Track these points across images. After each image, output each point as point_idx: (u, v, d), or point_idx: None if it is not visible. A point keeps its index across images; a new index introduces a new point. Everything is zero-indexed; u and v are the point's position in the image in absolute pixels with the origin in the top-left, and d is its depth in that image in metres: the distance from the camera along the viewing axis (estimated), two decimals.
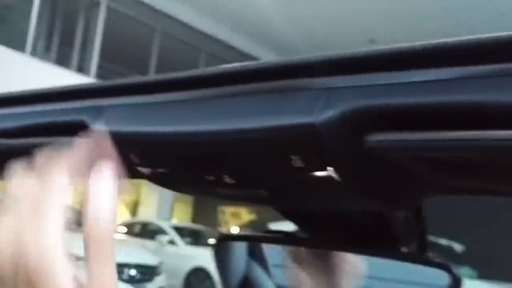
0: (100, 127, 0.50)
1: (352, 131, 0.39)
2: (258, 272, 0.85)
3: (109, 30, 13.48)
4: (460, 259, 9.47)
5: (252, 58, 16.28)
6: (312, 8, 13.48)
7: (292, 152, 0.41)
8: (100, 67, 13.51)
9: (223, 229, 17.02)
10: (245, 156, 0.45)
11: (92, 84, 0.54)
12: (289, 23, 14.34)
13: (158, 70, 14.65)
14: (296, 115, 0.40)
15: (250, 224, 16.11)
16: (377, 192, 0.46)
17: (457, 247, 10.14)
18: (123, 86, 0.52)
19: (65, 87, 0.56)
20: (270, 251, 0.87)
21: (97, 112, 0.51)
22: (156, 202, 14.44)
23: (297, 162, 0.42)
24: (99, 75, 13.30)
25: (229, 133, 0.43)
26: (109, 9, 13.56)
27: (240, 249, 0.85)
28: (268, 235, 0.78)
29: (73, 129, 0.51)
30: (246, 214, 17.68)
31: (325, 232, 0.67)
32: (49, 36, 13.87)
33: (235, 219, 17.89)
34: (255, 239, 0.87)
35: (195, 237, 11.25)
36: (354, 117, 0.38)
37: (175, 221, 14.25)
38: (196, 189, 0.57)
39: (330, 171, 0.41)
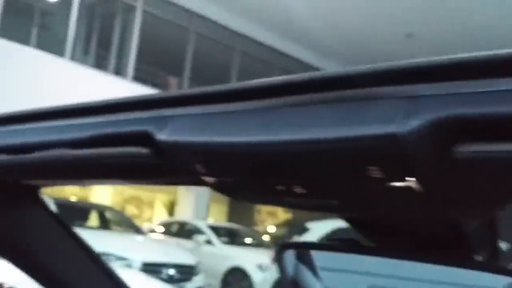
0: (164, 138, 0.50)
1: (439, 141, 0.38)
2: (307, 276, 0.86)
3: (145, 33, 13.64)
4: (506, 257, 9.24)
5: (286, 55, 16.24)
6: (347, 3, 13.33)
7: (371, 162, 0.40)
8: (136, 69, 13.69)
9: (259, 228, 17.00)
10: (319, 166, 0.44)
11: (156, 94, 0.55)
12: (321, 19, 14.23)
13: (193, 71, 14.76)
14: (376, 124, 0.38)
15: (287, 223, 16.04)
16: (458, 201, 0.45)
17: (504, 245, 9.91)
18: (187, 96, 0.52)
19: (129, 98, 0.56)
20: (318, 254, 0.86)
21: (161, 122, 0.51)
22: (193, 202, 14.52)
23: (374, 172, 0.41)
24: (135, 78, 13.48)
25: (303, 143, 0.42)
26: (145, 13, 13.73)
27: (302, 256, 0.85)
28: (332, 243, 0.77)
29: (137, 139, 0.52)
30: (282, 213, 17.61)
31: (395, 241, 0.67)
32: (87, 41, 14.11)
33: (271, 218, 17.82)
34: (320, 248, 0.87)
35: (231, 237, 11.23)
36: (440, 127, 0.37)
37: (211, 221, 14.29)
38: (264, 199, 0.57)
39: (410, 182, 0.40)
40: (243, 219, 16.02)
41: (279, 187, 0.48)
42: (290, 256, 0.85)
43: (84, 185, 0.82)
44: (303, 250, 0.89)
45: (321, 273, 0.87)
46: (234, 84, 0.49)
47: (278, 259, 0.83)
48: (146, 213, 18.95)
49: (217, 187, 0.53)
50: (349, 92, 0.42)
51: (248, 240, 11.62)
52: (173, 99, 0.52)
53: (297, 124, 0.43)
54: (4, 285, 1.32)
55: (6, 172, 0.70)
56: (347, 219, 0.67)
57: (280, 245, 0.85)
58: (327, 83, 0.43)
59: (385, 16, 13.50)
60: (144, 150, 0.52)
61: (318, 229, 7.59)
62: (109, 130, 0.55)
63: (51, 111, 0.62)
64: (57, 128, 0.60)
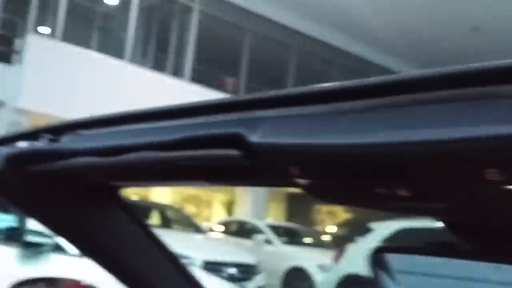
0: (256, 139, 0.49)
1: None
2: (407, 283, 0.81)
3: (202, 33, 13.78)
4: None
5: (346, 53, 16.05)
6: None
7: (490, 164, 0.38)
8: (194, 70, 13.84)
9: (319, 228, 16.92)
10: (430, 168, 0.42)
11: (248, 96, 0.54)
12: (383, 14, 14.00)
13: (250, 70, 14.80)
14: (496, 124, 0.37)
15: (347, 223, 15.90)
16: None
17: None
18: (280, 98, 0.51)
19: (220, 100, 0.56)
20: (418, 259, 0.82)
21: (254, 124, 0.50)
22: (251, 201, 14.58)
23: (492, 174, 0.38)
24: (193, 78, 13.63)
25: (411, 145, 0.40)
26: (202, 13, 13.86)
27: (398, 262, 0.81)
28: (429, 247, 0.74)
29: (229, 142, 0.52)
30: (342, 213, 17.48)
31: (499, 245, 0.63)
32: (146, 43, 14.38)
33: (331, 218, 17.73)
34: (419, 252, 0.82)
35: (291, 236, 11.21)
36: None
37: (270, 220, 14.30)
38: (362, 202, 0.55)
39: None
40: (302, 218, 15.98)
41: (379, 190, 0.47)
42: (387, 260, 0.80)
43: (166, 186, 0.82)
44: (401, 255, 0.83)
45: (423, 280, 0.82)
46: (330, 84, 0.47)
47: (374, 264, 0.77)
48: (205, 212, 19.21)
49: (311, 190, 0.52)
50: (468, 91, 0.39)
51: (308, 240, 11.58)
52: (266, 100, 0.52)
53: (403, 125, 0.41)
54: (83, 282, 1.36)
55: (91, 174, 0.71)
56: (446, 222, 0.65)
57: (376, 249, 0.79)
58: (439, 82, 0.41)
59: (449, 10, 13.14)
60: (235, 152, 0.52)
61: (382, 229, 7.47)
62: (198, 132, 0.55)
63: (139, 114, 0.63)
64: (145, 131, 0.61)
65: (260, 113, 0.51)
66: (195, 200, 19.34)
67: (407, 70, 13.38)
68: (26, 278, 1.40)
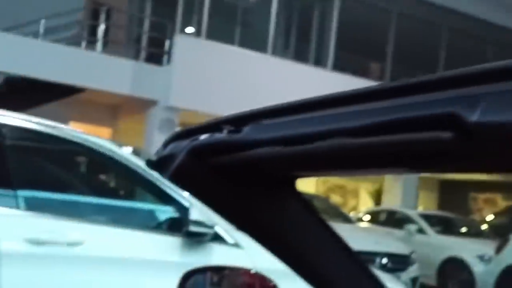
0: (475, 119, 0.44)
1: None
2: None
3: (343, 20, 13.58)
4: None
5: (501, 28, 14.96)
6: None
7: None
8: (337, 58, 13.70)
9: (475, 217, 16.05)
10: None
11: (463, 70, 0.49)
12: None
13: (397, 54, 14.33)
14: None
15: (507, 212, 14.89)
16: None
17: None
18: (500, 70, 0.45)
19: (430, 77, 0.51)
20: None
21: (471, 102, 0.45)
22: (400, 190, 14.16)
23: None
24: (336, 66, 13.50)
25: None
26: None
27: None
28: None
29: (440, 123, 0.47)
30: (502, 201, 16.44)
31: None
32: (287, 34, 14.51)
33: (489, 206, 16.75)
34: None
35: (445, 226, 10.78)
36: None
37: (421, 209, 13.81)
38: None
39: None
40: (455, 207, 15.25)
41: None
42: None
43: (352, 175, 0.76)
44: None
45: None
46: None
47: None
48: (351, 202, 19.06)
49: None
50: None
51: (464, 229, 11.03)
52: (485, 74, 0.46)
53: None
54: (253, 270, 1.38)
55: (271, 164, 0.71)
56: None
57: None
58: None
59: None
60: (446, 134, 0.47)
61: None
62: (407, 113, 0.51)
63: (325, 100, 0.60)
64: (334, 117, 0.58)
65: (478, 89, 0.46)
66: (341, 190, 19.26)
67: None
68: (197, 267, 1.44)
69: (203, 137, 0.72)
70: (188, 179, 0.78)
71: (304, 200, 0.86)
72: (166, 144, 0.80)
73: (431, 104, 0.49)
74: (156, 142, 10.12)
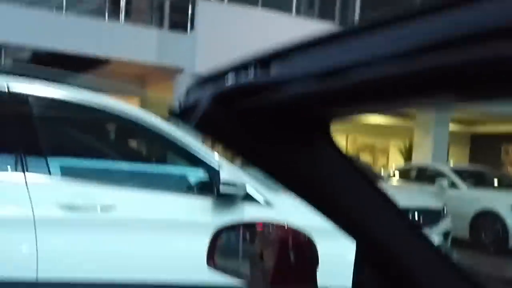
0: None
1: None
2: None
3: None
4: None
5: None
6: None
7: None
8: (362, 16, 13.45)
9: (508, 170, 15.82)
10: None
11: None
12: None
13: None
14: None
15: None
16: None
17: None
18: None
19: None
20: None
21: None
22: (431, 146, 14.00)
23: None
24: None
25: None
26: None
27: None
28: None
29: None
30: None
31: None
32: None
33: None
34: None
35: (477, 180, 10.65)
36: None
37: (451, 164, 13.67)
38: None
39: None
40: (487, 161, 15.02)
41: None
42: None
43: (392, 109, 0.73)
44: None
45: None
46: None
47: None
48: (381, 160, 18.95)
49: None
50: None
51: (496, 182, 10.89)
52: None
53: None
54: (287, 224, 1.35)
55: (303, 104, 0.65)
56: None
57: None
58: None
59: None
60: None
61: None
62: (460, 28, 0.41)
63: (362, 26, 0.50)
64: (372, 42, 0.49)
65: None
66: (371, 149, 19.14)
67: None
68: (229, 224, 1.45)
69: (228, 80, 0.66)
70: (214, 127, 0.73)
71: (340, 149, 0.81)
72: (188, 91, 0.75)
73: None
74: None
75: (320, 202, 0.85)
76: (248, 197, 3.00)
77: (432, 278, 0.97)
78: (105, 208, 2.70)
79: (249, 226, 1.47)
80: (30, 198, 2.57)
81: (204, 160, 3.02)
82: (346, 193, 0.83)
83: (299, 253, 1.26)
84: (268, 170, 0.83)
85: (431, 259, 0.98)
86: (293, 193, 0.86)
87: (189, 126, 0.73)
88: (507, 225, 8.93)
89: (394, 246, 0.92)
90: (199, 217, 2.86)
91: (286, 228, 1.35)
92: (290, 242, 1.27)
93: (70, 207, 2.63)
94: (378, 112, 0.81)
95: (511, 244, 8.90)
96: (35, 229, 2.53)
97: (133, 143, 4.31)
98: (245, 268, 1.35)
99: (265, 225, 1.37)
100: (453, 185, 10.25)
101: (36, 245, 2.53)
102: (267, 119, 0.71)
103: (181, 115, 0.76)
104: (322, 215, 0.87)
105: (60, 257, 2.60)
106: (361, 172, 0.83)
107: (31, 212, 2.54)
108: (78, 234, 2.64)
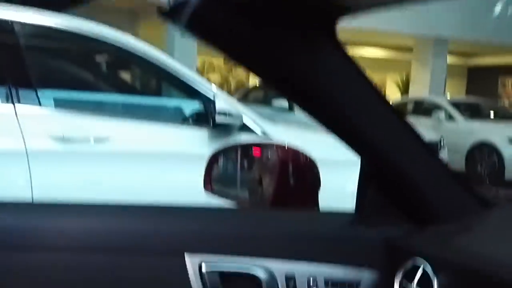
0: None
1: None
2: None
3: None
4: None
5: None
6: None
7: None
8: None
9: (505, 101, 15.80)
10: None
11: None
12: None
13: None
14: None
15: None
16: None
17: None
18: None
19: None
20: None
21: None
22: (428, 79, 13.89)
23: None
24: None
25: None
26: None
27: None
28: None
29: None
30: None
31: None
32: None
33: None
34: None
35: (474, 111, 10.63)
36: None
37: (448, 97, 13.62)
38: None
39: None
40: (484, 93, 14.97)
41: None
42: None
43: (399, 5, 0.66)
44: None
45: None
46: None
47: None
48: None
49: None
50: None
51: (493, 114, 10.88)
52: None
53: None
54: (288, 144, 1.30)
55: None
56: None
57: None
58: None
59: None
60: None
61: None
62: None
63: None
64: None
65: None
66: None
67: None
68: (226, 145, 1.40)
69: None
70: (207, 26, 0.66)
71: (346, 52, 0.74)
72: None
73: None
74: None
75: (323, 112, 0.80)
76: (245, 128, 2.96)
77: (437, 194, 0.93)
78: (99, 140, 2.66)
79: (247, 147, 1.42)
80: (20, 129, 2.51)
81: (200, 91, 2.96)
82: (352, 103, 0.78)
83: (299, 173, 1.22)
84: (267, 76, 0.78)
85: (437, 174, 0.94)
86: (294, 102, 0.81)
87: (180, 26, 0.67)
88: (503, 157, 8.96)
89: (400, 161, 0.89)
90: (194, 148, 2.82)
91: (286, 148, 1.31)
92: (290, 162, 1.23)
93: (63, 139, 2.59)
94: (385, 5, 0.74)
95: (507, 176, 8.96)
96: (27, 159, 2.49)
97: (127, 74, 4.23)
98: (244, 190, 1.31)
99: (264, 145, 1.32)
100: (450, 117, 10.23)
101: (30, 173, 2.49)
102: (266, 16, 0.65)
103: (170, 13, 0.69)
104: (325, 127, 0.82)
105: (55, 186, 2.57)
106: (369, 82, 0.79)
107: (23, 144, 2.49)
108: (71, 166, 2.61)
